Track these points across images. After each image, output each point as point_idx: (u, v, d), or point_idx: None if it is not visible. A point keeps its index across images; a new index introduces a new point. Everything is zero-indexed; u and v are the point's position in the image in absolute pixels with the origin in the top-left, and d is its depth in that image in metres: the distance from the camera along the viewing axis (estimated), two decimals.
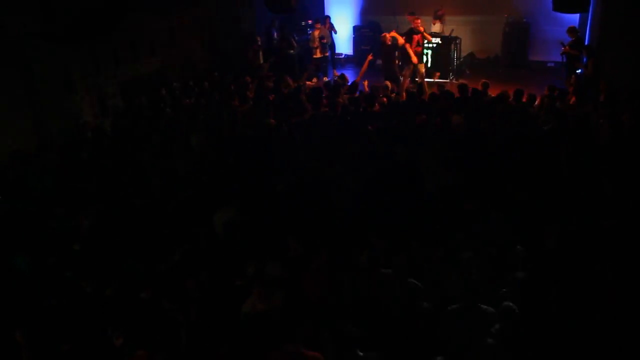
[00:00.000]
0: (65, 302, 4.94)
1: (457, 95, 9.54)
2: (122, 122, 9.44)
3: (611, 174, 6.23)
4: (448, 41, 13.49)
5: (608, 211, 5.54)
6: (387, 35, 12.10)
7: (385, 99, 9.46)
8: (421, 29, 12.19)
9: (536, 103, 9.18)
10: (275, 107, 9.20)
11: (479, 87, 9.71)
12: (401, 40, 11.91)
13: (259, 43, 14.01)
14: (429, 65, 13.60)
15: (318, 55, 14.18)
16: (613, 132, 7.44)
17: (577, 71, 11.46)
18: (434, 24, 14.08)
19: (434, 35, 13.56)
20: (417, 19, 12.36)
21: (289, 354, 4.02)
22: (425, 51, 13.49)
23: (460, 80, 11.38)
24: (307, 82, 11.20)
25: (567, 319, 4.19)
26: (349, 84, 10.64)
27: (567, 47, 11.46)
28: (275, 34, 14.70)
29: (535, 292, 4.51)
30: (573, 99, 9.52)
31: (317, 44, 14.04)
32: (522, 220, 5.54)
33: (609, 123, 7.72)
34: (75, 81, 9.58)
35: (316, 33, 14.04)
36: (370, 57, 12.15)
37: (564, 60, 11.97)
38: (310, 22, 14.73)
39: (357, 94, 9.94)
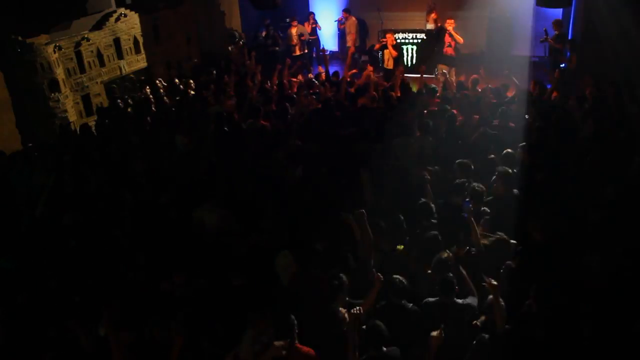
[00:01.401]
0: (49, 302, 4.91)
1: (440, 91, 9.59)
2: (107, 121, 9.36)
3: (596, 167, 6.28)
4: (432, 36, 13.53)
5: (593, 205, 5.59)
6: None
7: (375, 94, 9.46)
8: (449, 28, 12.20)
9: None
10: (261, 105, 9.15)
11: (468, 83, 9.75)
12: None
13: (244, 40, 13.95)
14: (413, 61, 13.68)
15: (297, 52, 14.13)
16: (597, 125, 7.51)
17: (561, 65, 11.55)
18: (428, 20, 14.12)
19: (424, 31, 13.67)
20: (449, 18, 12.37)
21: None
22: (411, 47, 13.60)
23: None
24: (292, 79, 11.17)
25: (552, 312, 4.22)
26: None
27: (550, 39, 11.55)
28: (263, 32, 14.67)
29: (522, 285, 4.54)
30: (555, 93, 9.58)
31: (295, 41, 14.00)
32: (508, 213, 5.57)
33: (592, 117, 7.79)
34: (59, 81, 9.51)
35: (293, 30, 13.99)
36: (352, 51, 12.19)
37: (547, 54, 12.07)
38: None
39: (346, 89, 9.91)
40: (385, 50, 12.69)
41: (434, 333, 3.99)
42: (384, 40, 12.67)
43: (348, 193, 5.93)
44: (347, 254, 5.13)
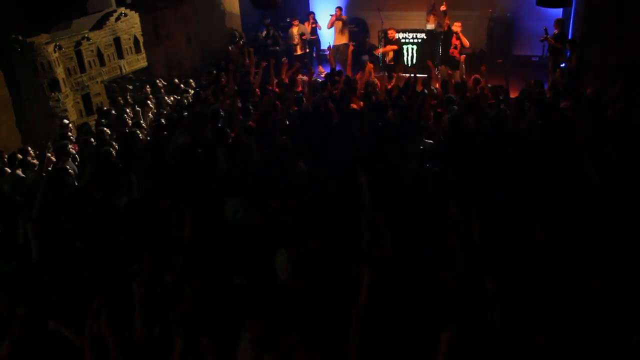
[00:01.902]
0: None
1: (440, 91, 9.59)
2: (107, 120, 9.37)
3: (595, 166, 6.27)
4: (433, 36, 13.54)
5: (593, 202, 5.58)
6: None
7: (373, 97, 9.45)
8: (457, 30, 12.16)
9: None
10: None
11: (470, 82, 9.76)
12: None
13: (244, 40, 13.94)
14: (413, 61, 13.68)
15: (299, 52, 14.13)
16: (596, 125, 7.50)
17: (561, 65, 11.54)
18: (429, 20, 14.12)
19: (424, 31, 13.69)
20: (457, 21, 12.35)
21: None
22: (411, 47, 13.60)
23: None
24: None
25: (552, 313, 4.22)
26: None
27: (550, 38, 11.54)
28: (263, 32, 14.66)
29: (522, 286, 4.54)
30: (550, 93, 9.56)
31: (297, 40, 13.99)
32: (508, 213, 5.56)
33: (592, 116, 7.77)
34: (60, 80, 9.53)
35: (295, 30, 13.98)
36: (352, 48, 12.21)
37: (546, 53, 12.06)
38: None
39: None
40: (387, 46, 12.77)
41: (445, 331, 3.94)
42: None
43: (346, 195, 5.92)
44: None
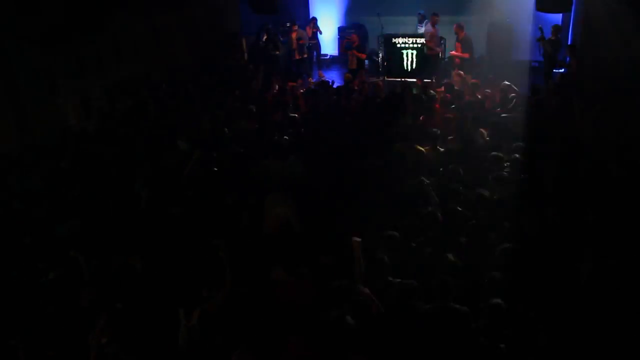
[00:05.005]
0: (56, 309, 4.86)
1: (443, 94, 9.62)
2: (107, 125, 9.36)
3: (593, 170, 6.29)
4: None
5: (588, 205, 5.60)
6: None
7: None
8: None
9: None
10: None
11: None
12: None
13: (245, 44, 13.97)
14: (413, 65, 13.69)
15: (297, 57, 14.21)
16: (595, 130, 7.53)
17: (561, 70, 11.57)
18: (420, 25, 14.16)
19: (420, 35, 13.71)
20: (457, 26, 12.43)
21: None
22: (411, 51, 13.62)
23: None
24: (292, 83, 11.20)
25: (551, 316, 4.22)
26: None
27: (545, 39, 11.61)
28: (264, 36, 14.73)
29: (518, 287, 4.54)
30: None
31: (295, 46, 14.08)
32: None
33: (591, 122, 7.80)
34: (59, 84, 9.52)
35: (293, 35, 14.08)
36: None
37: (540, 58, 12.14)
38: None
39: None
40: (349, 51, 12.92)
41: None
42: (349, 38, 12.96)
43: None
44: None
